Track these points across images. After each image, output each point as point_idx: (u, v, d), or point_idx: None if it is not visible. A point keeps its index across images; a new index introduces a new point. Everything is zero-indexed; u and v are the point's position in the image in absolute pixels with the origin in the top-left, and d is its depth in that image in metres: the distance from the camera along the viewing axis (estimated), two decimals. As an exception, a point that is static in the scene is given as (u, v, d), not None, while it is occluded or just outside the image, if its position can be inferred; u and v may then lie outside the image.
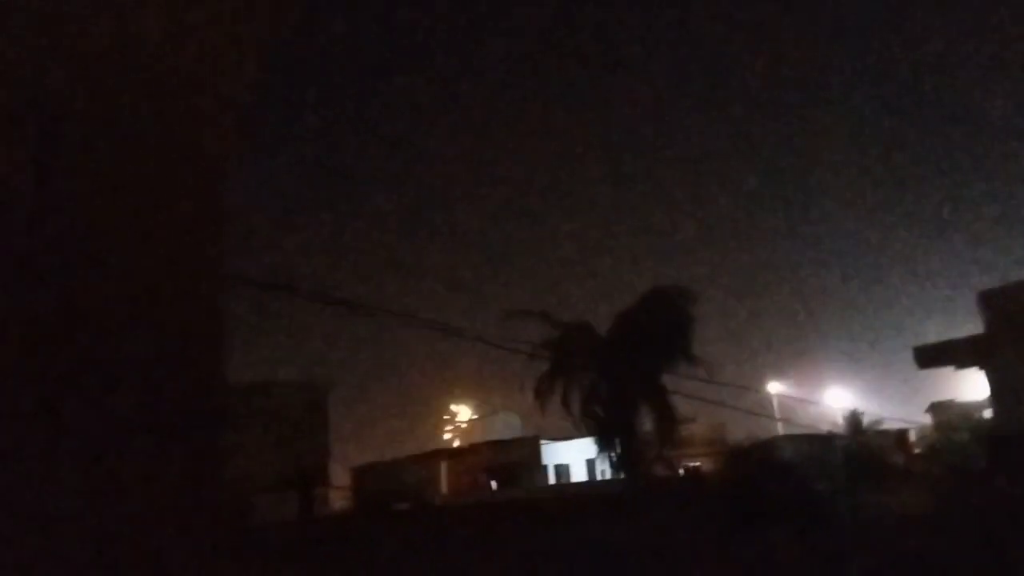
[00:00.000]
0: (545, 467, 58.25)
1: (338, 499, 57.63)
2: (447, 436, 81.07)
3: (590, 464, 52.51)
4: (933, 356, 31.14)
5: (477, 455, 61.38)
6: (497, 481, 56.77)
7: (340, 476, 60.91)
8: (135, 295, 1.51)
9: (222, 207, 1.73)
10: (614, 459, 25.74)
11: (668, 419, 25.07)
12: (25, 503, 1.21)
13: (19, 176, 1.34)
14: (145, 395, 1.46)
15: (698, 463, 50.52)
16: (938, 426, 49.51)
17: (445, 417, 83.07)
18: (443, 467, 62.47)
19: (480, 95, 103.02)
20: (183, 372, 1.59)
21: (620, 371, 24.54)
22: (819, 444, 23.00)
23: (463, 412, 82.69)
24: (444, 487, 59.84)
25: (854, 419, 40.95)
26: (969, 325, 31.22)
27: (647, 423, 25.19)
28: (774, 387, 55.50)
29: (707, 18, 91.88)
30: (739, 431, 38.19)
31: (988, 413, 37.89)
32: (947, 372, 37.47)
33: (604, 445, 25.51)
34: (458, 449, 70.76)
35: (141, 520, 1.34)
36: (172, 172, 1.59)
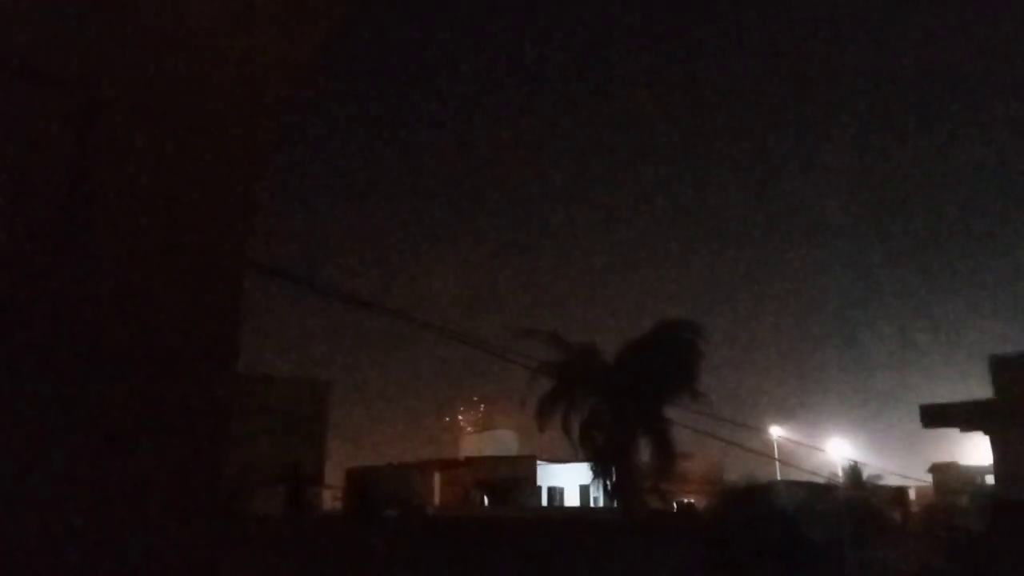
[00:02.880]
0: (539, 488, 57.92)
1: (330, 499, 57.47)
2: (442, 446, 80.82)
3: (584, 489, 52.15)
4: (938, 416, 30.82)
5: (472, 468, 61.11)
6: (490, 497, 56.45)
7: (334, 476, 60.74)
8: (160, 280, 1.51)
9: (254, 197, 1.73)
10: (609, 487, 25.57)
11: (667, 452, 24.89)
12: (33, 494, 1.21)
13: (61, 144, 1.35)
14: (159, 383, 1.45)
15: (692, 499, 50.12)
16: (939, 487, 49.04)
17: (442, 428, 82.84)
18: (437, 477, 62.23)
19: (514, 109, 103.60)
20: (198, 361, 1.58)
21: (623, 399, 24.42)
22: (817, 493, 22.73)
23: (461, 424, 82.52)
24: (437, 497, 59.58)
25: (854, 471, 40.63)
26: (978, 388, 30.94)
27: (645, 453, 25.06)
28: (775, 431, 55.06)
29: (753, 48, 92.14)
30: (737, 471, 37.87)
31: (990, 479, 37.45)
32: (951, 433, 37.07)
33: (600, 471, 25.35)
34: (453, 460, 70.49)
35: (145, 508, 1.33)
36: (208, 160, 1.60)
